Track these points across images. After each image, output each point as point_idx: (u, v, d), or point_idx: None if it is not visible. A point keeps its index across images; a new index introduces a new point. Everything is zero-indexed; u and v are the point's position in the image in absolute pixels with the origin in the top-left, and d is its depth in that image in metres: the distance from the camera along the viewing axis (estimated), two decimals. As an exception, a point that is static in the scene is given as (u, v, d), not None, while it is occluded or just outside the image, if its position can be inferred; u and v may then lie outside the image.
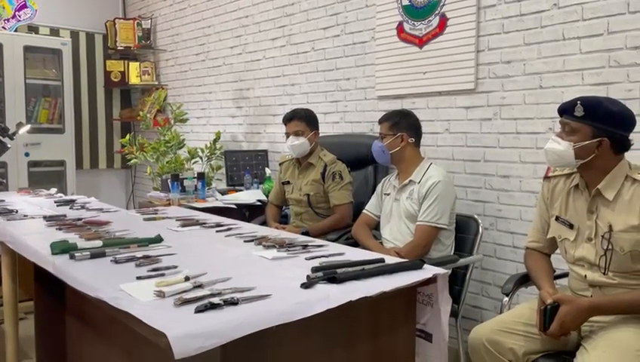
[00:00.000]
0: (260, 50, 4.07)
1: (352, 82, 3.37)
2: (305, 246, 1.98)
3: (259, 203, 3.50)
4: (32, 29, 5.03)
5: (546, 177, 1.99)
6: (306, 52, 3.68)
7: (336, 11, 3.43)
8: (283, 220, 3.19)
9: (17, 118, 4.40)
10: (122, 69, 5.41)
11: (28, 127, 3.93)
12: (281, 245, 2.01)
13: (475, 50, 2.67)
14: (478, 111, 2.70)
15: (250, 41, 4.15)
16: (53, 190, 3.75)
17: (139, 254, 1.81)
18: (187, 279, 1.53)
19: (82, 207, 3.02)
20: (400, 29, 3.02)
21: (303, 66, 3.71)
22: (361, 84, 3.31)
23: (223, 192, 3.72)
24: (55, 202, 3.20)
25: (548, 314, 1.68)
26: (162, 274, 1.59)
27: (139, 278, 1.55)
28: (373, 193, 3.03)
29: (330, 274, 1.56)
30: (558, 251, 1.96)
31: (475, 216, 2.50)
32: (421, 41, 2.92)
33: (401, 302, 1.66)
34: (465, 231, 2.48)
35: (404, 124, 2.46)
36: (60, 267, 1.72)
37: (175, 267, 1.67)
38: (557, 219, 1.90)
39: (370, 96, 3.27)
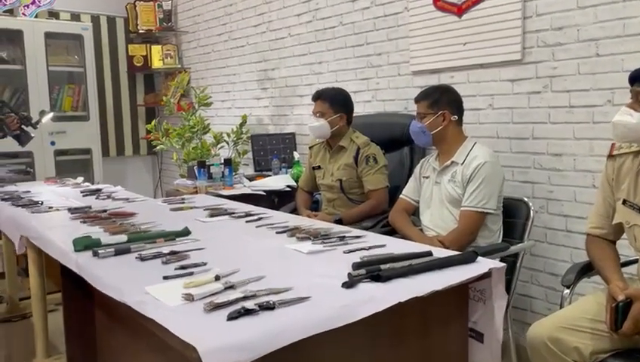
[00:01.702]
0: (284, 28, 3.88)
1: (384, 57, 3.17)
2: (342, 238, 1.82)
3: (288, 188, 3.35)
4: (53, 14, 4.94)
5: (610, 155, 1.79)
6: (333, 27, 3.48)
7: (365, -18, 3.21)
8: (314, 206, 3.04)
9: (41, 106, 4.32)
10: (145, 53, 5.29)
11: (51, 114, 3.86)
12: (316, 236, 1.86)
13: (521, 17, 2.44)
14: (526, 83, 2.48)
15: (274, 18, 3.97)
16: (80, 179, 3.68)
17: (165, 249, 1.68)
18: (217, 278, 1.40)
19: (108, 197, 2.93)
20: (436, -3, 2.80)
21: (331, 42, 3.51)
22: (393, 59, 3.11)
23: (251, 178, 3.59)
24: (81, 192, 3.12)
25: (620, 311, 1.50)
26: (191, 273, 1.46)
27: (166, 278, 1.42)
28: (409, 176, 2.85)
29: (374, 270, 1.40)
30: (624, 236, 1.76)
31: (525, 199, 2.30)
32: (460, 9, 2.69)
33: (452, 299, 1.49)
34: (514, 215, 2.29)
35: (444, 100, 2.26)
36: (84, 265, 1.60)
37: (204, 264, 1.54)
38: (624, 202, 1.69)
39: (404, 72, 3.06)
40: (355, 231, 1.95)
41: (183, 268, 1.51)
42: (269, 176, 3.61)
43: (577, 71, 2.28)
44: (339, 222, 2.61)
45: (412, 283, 1.36)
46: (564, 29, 2.31)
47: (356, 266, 1.45)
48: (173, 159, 4.15)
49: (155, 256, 1.62)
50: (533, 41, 2.42)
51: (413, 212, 2.46)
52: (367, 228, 2.55)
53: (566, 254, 2.40)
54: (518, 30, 2.46)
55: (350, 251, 1.67)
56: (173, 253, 1.66)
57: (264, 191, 3.27)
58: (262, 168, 3.74)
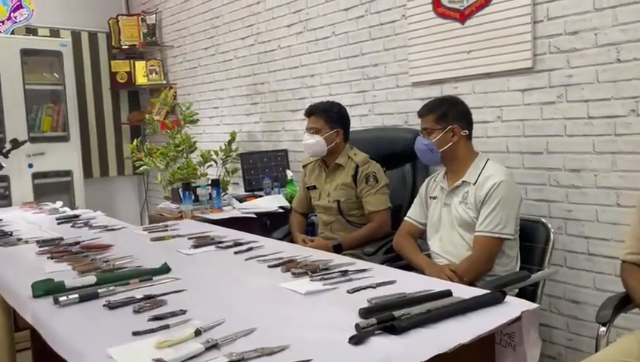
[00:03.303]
0: (274, 40, 3.68)
1: (381, 68, 2.96)
2: (344, 273, 1.59)
3: (281, 210, 3.12)
4: (31, 30, 4.71)
5: None
6: (326, 38, 3.27)
7: (359, -12, 3.02)
8: (309, 230, 2.80)
9: (18, 127, 4.10)
10: (128, 69, 5.07)
11: (26, 144, 3.63)
12: (314, 271, 1.63)
13: (531, 22, 2.24)
14: (538, 93, 2.27)
15: (262, 29, 3.76)
16: (59, 203, 3.44)
17: (139, 293, 1.44)
18: (198, 333, 1.16)
19: (85, 224, 2.69)
20: (436, 3, 2.60)
21: (324, 54, 3.31)
22: (391, 70, 2.90)
23: (241, 199, 3.35)
24: (57, 219, 2.88)
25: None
26: (166, 326, 1.22)
27: (136, 334, 1.18)
28: (412, 195, 2.64)
29: (387, 319, 1.17)
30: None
31: (543, 220, 2.08)
32: (463, 16, 2.50)
33: (475, 347, 1.25)
34: (531, 238, 2.06)
35: (453, 114, 2.04)
36: (40, 317, 1.36)
37: (183, 312, 1.31)
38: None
39: (402, 83, 2.86)
40: (359, 263, 1.72)
41: (157, 318, 1.28)
42: (261, 196, 3.38)
43: (596, 79, 2.08)
44: (337, 247, 2.39)
45: (433, 334, 1.14)
46: (579, 33, 2.12)
47: (365, 313, 1.23)
48: (157, 180, 3.91)
49: (125, 303, 1.39)
50: (545, 47, 2.23)
51: (419, 236, 2.24)
52: (368, 254, 2.34)
53: (588, 280, 2.19)
54: (528, 36, 2.26)
55: (355, 290, 1.44)
56: (147, 297, 1.42)
57: (255, 213, 3.04)
58: (253, 188, 3.51)
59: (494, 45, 2.39)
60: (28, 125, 4.26)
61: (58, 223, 2.79)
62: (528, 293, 1.99)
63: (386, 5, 2.88)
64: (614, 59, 2.02)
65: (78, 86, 4.72)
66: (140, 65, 5.00)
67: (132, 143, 3.99)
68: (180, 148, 3.60)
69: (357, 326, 1.14)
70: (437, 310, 1.21)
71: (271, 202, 3.18)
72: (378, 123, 3.01)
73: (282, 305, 1.38)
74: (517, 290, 1.92)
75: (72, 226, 2.69)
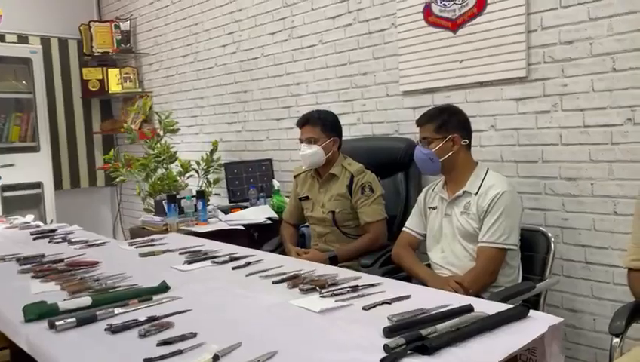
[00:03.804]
0: (257, 47, 3.61)
1: (370, 77, 2.93)
2: (354, 288, 1.54)
3: (269, 221, 3.04)
4: (-2, 37, 4.52)
5: None
6: (312, 46, 3.23)
7: (346, -3, 2.99)
8: (300, 241, 2.73)
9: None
10: (101, 77, 4.90)
11: None
12: (322, 286, 1.57)
13: (525, 31, 2.25)
14: (533, 102, 2.28)
15: (245, 37, 3.69)
16: (30, 217, 3.27)
17: (141, 315, 1.35)
18: (216, 359, 1.09)
19: (64, 240, 2.56)
20: (427, 11, 2.59)
21: (310, 62, 3.26)
22: (381, 79, 2.88)
23: (226, 210, 3.26)
24: (31, 234, 2.73)
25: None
26: (179, 352, 1.14)
27: (147, 361, 1.09)
28: (406, 205, 2.62)
29: (415, 338, 1.12)
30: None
31: (543, 230, 2.08)
32: (455, 25, 2.49)
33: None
34: (531, 248, 2.05)
35: (453, 123, 2.02)
36: (37, 343, 1.26)
37: (194, 335, 1.23)
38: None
39: (392, 92, 2.83)
40: (366, 277, 1.67)
41: (167, 342, 1.19)
42: (246, 206, 3.29)
43: (592, 88, 2.10)
44: (333, 259, 2.34)
45: (466, 353, 1.09)
46: (574, 42, 2.13)
47: (389, 332, 1.17)
48: (135, 192, 3.77)
49: (129, 326, 1.29)
50: (540, 56, 2.23)
51: (418, 247, 2.20)
52: (366, 266, 2.29)
53: (586, 288, 2.19)
54: (522, 45, 2.26)
55: (370, 307, 1.39)
56: (152, 319, 1.33)
57: (243, 225, 2.95)
58: (237, 199, 3.42)
59: (487, 54, 2.39)
60: (-5, 135, 4.07)
61: (34, 239, 2.65)
62: (531, 304, 1.96)
63: (374, 14, 2.86)
64: (610, 68, 2.04)
65: (48, 94, 4.54)
66: (114, 73, 4.84)
67: (109, 153, 3.85)
68: (161, 159, 3.48)
69: (386, 347, 1.09)
70: (465, 327, 1.17)
71: (258, 213, 3.10)
72: (367, 132, 2.98)
73: (297, 324, 1.31)
74: (520, 301, 1.90)
75: (49, 242, 2.55)
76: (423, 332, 1.14)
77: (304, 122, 2.50)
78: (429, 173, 2.17)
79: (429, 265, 2.12)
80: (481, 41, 2.40)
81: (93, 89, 4.92)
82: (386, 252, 2.34)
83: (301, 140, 2.51)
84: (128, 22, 4.82)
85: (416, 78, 2.68)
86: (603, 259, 2.13)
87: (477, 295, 1.79)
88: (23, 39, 4.69)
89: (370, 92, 2.94)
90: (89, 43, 4.87)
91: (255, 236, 3.00)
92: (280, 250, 2.62)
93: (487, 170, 2.04)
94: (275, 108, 3.55)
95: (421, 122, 2.07)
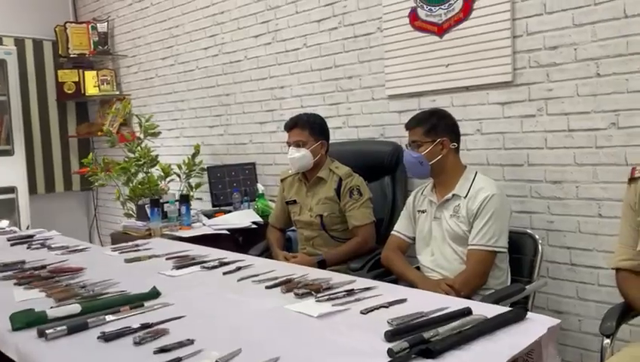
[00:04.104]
0: (240, 50, 3.58)
1: (356, 81, 2.93)
2: (350, 292, 1.53)
3: (254, 225, 3.01)
4: (-31, 38, 4.38)
5: (632, 179, 1.62)
6: (296, 49, 3.22)
7: (332, 0, 2.98)
8: (287, 246, 2.71)
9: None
10: (77, 79, 4.79)
11: None
12: (317, 290, 1.56)
13: (510, 36, 2.28)
14: (518, 107, 2.31)
15: (227, 40, 3.66)
16: (5, 222, 3.17)
17: (134, 322, 1.31)
18: (219, 366, 1.06)
19: (43, 245, 2.49)
20: (413, 16, 2.60)
21: (295, 65, 3.24)
22: (366, 83, 2.88)
23: (209, 215, 3.21)
24: (8, 240, 2.64)
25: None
26: (178, 359, 1.11)
27: (146, 370, 1.06)
28: (393, 208, 2.63)
29: (418, 342, 1.11)
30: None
31: (530, 232, 2.10)
32: (441, 29, 2.51)
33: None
34: (518, 250, 2.08)
35: (442, 126, 2.03)
36: (27, 352, 1.21)
37: (192, 342, 1.20)
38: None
39: (378, 96, 2.84)
40: (360, 281, 1.66)
41: (164, 350, 1.16)
42: (230, 211, 3.25)
43: (576, 92, 2.14)
44: (322, 263, 2.32)
45: (469, 356, 1.09)
46: (559, 48, 2.17)
47: (391, 336, 1.16)
48: (115, 197, 3.69)
49: (122, 334, 1.26)
50: (525, 61, 2.27)
51: (407, 250, 2.20)
52: (354, 270, 2.28)
53: (571, 290, 2.23)
54: (508, 50, 2.30)
55: (368, 311, 1.38)
56: (146, 326, 1.30)
57: (228, 229, 2.91)
58: (220, 203, 3.38)
59: (473, 59, 2.41)
60: (-33, 138, 3.94)
61: (11, 245, 2.57)
62: (519, 306, 1.99)
63: (360, 18, 2.86)
64: (594, 73, 2.09)
65: (22, 97, 4.42)
66: (90, 75, 4.74)
67: (85, 157, 3.77)
68: (141, 163, 3.41)
69: (390, 351, 1.08)
70: (467, 330, 1.17)
71: (242, 217, 3.06)
72: (353, 136, 2.98)
73: (296, 329, 1.30)
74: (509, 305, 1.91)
75: (28, 248, 2.48)
76: (426, 335, 1.14)
77: (292, 125, 2.48)
78: (418, 177, 2.17)
79: (418, 268, 2.13)
80: (467, 45, 2.43)
81: (69, 91, 4.81)
82: (375, 255, 2.33)
83: (289, 143, 2.49)
84: (106, 23, 4.73)
85: (402, 82, 2.70)
86: (588, 261, 2.17)
87: (468, 297, 1.79)
88: (-5, 39, 4.56)
89: (356, 95, 2.95)
90: (65, 44, 4.76)
91: (240, 240, 2.96)
92: (266, 254, 2.59)
93: (476, 173, 2.06)
94: (259, 112, 3.52)
95: (410, 125, 2.08)
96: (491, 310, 1.34)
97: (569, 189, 2.19)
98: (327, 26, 3.03)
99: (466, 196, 1.98)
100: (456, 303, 1.40)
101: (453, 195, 2.01)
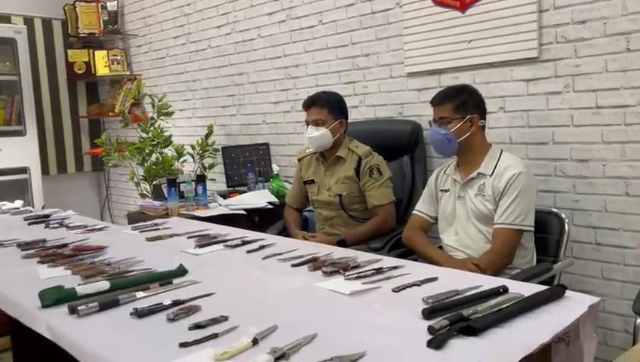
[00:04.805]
0: (253, 28, 3.52)
1: (373, 58, 2.88)
2: (378, 270, 1.50)
3: (270, 205, 2.99)
4: (-21, 17, 4.34)
5: None
6: (312, 26, 3.16)
7: (349, -24, 2.92)
8: (303, 226, 2.69)
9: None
10: (87, 59, 4.76)
11: None
12: (345, 269, 1.54)
13: (536, 10, 2.22)
14: (544, 83, 2.26)
15: (240, 18, 3.60)
16: (19, 203, 3.16)
17: (166, 300, 1.30)
18: (256, 342, 1.05)
19: (61, 225, 2.47)
20: (435, -9, 2.55)
21: (310, 43, 3.19)
22: (384, 60, 2.83)
23: (224, 195, 3.19)
24: (25, 219, 2.63)
25: None
26: (214, 335, 1.09)
27: (183, 345, 1.05)
28: (412, 188, 2.60)
29: (457, 319, 1.09)
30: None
31: (556, 211, 2.07)
32: (463, 4, 2.45)
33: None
34: (544, 229, 2.04)
35: (471, 103, 1.98)
36: (60, 330, 1.19)
37: (226, 318, 1.18)
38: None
39: (397, 74, 2.79)
40: (387, 260, 1.64)
41: (198, 326, 1.14)
42: (244, 191, 3.23)
43: (605, 68, 2.09)
44: (341, 243, 2.30)
45: (511, 334, 1.07)
46: (587, 22, 2.11)
47: (429, 314, 1.14)
48: (129, 177, 3.67)
49: (155, 310, 1.24)
50: (552, 36, 2.21)
51: (428, 230, 2.18)
52: (375, 250, 2.26)
53: (596, 269, 2.20)
54: (534, 25, 2.24)
55: (400, 289, 1.36)
56: (177, 302, 1.28)
57: (244, 209, 2.89)
58: (234, 183, 3.36)
59: (497, 35, 2.36)
60: (-21, 118, 3.92)
61: (29, 224, 2.56)
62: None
63: (378, -7, 2.81)
64: (624, 48, 2.03)
65: (33, 77, 4.38)
66: (101, 55, 4.70)
67: (98, 138, 3.74)
68: (155, 143, 3.39)
69: (431, 328, 1.06)
70: (508, 308, 1.15)
71: (258, 198, 3.04)
72: (370, 115, 2.94)
73: (329, 307, 1.27)
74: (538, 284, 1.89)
75: (46, 227, 2.46)
76: (465, 312, 1.12)
77: (310, 103, 2.44)
78: (444, 155, 2.12)
79: (440, 248, 2.11)
80: (490, 20, 2.37)
81: (80, 71, 4.77)
82: (395, 235, 2.31)
83: (307, 122, 2.45)
84: (115, 2, 4.67)
85: (422, 59, 2.64)
86: (614, 241, 2.14)
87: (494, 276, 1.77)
88: (4, 19, 4.51)
89: (373, 73, 2.90)
90: (74, 24, 4.72)
91: (256, 220, 2.95)
92: (284, 234, 2.57)
93: (502, 151, 2.02)
94: (273, 91, 3.48)
95: (438, 101, 2.02)
96: (525, 288, 1.32)
97: (595, 168, 2.15)
98: (344, 2, 2.97)
99: (492, 174, 1.94)
100: (488, 281, 1.38)
101: (479, 174, 1.98)
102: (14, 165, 4.12)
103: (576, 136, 2.19)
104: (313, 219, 2.68)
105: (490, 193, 1.93)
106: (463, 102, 1.96)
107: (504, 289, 1.27)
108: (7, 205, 3.14)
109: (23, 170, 4.18)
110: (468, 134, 1.96)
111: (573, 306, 1.20)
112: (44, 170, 4.60)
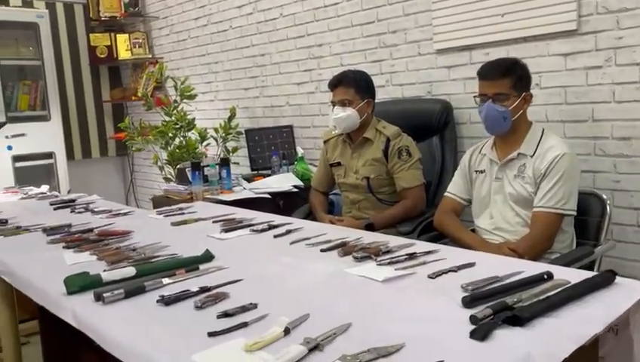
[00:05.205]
0: (275, 7, 3.44)
1: (400, 35, 2.78)
2: (412, 256, 1.44)
3: (295, 189, 2.94)
4: (2, 1, 4.33)
5: None
6: (336, 4, 3.07)
7: (374, -51, 2.81)
8: (329, 209, 2.63)
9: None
10: (109, 43, 4.74)
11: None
12: (377, 254, 1.47)
13: (576, -20, 2.10)
14: (583, 57, 2.14)
15: (262, -4, 3.52)
16: (45, 187, 3.17)
17: (193, 286, 1.25)
18: (288, 332, 1.00)
19: (86, 209, 2.46)
20: (466, -38, 2.42)
21: (334, 21, 3.10)
22: (412, 37, 2.73)
23: (249, 178, 3.15)
24: (51, 204, 2.63)
25: None
26: (244, 324, 1.05)
27: (212, 335, 1.00)
28: (442, 170, 2.52)
29: (501, 308, 1.02)
30: None
31: (598, 192, 1.97)
32: (497, -24, 2.33)
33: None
34: (583, 211, 1.94)
35: (526, 79, 1.86)
36: (84, 317, 1.16)
37: (255, 306, 1.13)
38: None
39: (425, 51, 2.69)
40: (420, 244, 1.57)
41: (227, 314, 1.10)
42: (269, 174, 3.18)
43: (650, 40, 1.96)
44: (370, 227, 2.23)
45: (560, 324, 0.99)
46: (631, -9, 1.98)
47: (470, 302, 1.07)
48: (152, 161, 3.66)
49: (181, 297, 1.20)
50: (592, 7, 2.09)
51: (462, 212, 2.09)
52: (405, 234, 2.20)
53: (637, 253, 2.10)
54: (573, -4, 2.12)
55: (436, 275, 1.29)
56: (204, 289, 1.24)
57: (269, 193, 2.85)
58: (259, 166, 3.31)
59: (532, 7, 2.24)
60: (4, 104, 3.93)
61: (54, 209, 2.55)
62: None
63: (406, -33, 2.69)
64: (672, 18, 1.90)
65: (55, 61, 4.38)
66: (122, 39, 4.68)
67: (124, 122, 3.72)
68: (178, 126, 3.35)
69: (474, 318, 0.99)
70: (554, 296, 1.07)
71: (283, 181, 2.99)
72: (397, 94, 2.84)
73: (362, 294, 1.21)
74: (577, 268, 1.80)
75: (71, 212, 2.46)
76: (508, 301, 1.05)
77: (336, 83, 2.36)
78: (494, 133, 1.94)
79: (472, 231, 2.03)
80: (525, -8, 2.25)
81: (102, 55, 4.76)
82: (425, 218, 2.24)
83: (333, 103, 2.38)
84: (136, -16, 4.63)
85: (452, 34, 2.54)
86: (657, 223, 2.03)
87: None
88: (27, 3, 4.51)
89: (400, 51, 2.80)
90: (95, 7, 4.69)
91: (280, 204, 2.90)
92: (310, 218, 2.52)
93: (543, 130, 1.90)
94: (296, 72, 3.40)
95: (493, 76, 1.86)
96: (569, 273, 1.24)
97: (638, 146, 2.04)
98: (370, -23, 2.87)
99: (534, 155, 1.84)
100: (530, 267, 1.30)
101: (519, 154, 1.87)
102: (40, 150, 4.14)
103: (618, 113, 2.07)
104: (340, 203, 2.62)
105: (531, 175, 1.83)
106: (519, 78, 1.84)
107: (549, 276, 1.19)
108: (34, 190, 3.15)
109: (49, 155, 4.20)
110: (521, 112, 1.84)
111: (625, 293, 1.12)
112: (69, 155, 4.62)
